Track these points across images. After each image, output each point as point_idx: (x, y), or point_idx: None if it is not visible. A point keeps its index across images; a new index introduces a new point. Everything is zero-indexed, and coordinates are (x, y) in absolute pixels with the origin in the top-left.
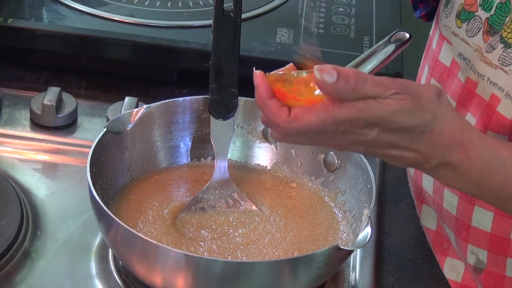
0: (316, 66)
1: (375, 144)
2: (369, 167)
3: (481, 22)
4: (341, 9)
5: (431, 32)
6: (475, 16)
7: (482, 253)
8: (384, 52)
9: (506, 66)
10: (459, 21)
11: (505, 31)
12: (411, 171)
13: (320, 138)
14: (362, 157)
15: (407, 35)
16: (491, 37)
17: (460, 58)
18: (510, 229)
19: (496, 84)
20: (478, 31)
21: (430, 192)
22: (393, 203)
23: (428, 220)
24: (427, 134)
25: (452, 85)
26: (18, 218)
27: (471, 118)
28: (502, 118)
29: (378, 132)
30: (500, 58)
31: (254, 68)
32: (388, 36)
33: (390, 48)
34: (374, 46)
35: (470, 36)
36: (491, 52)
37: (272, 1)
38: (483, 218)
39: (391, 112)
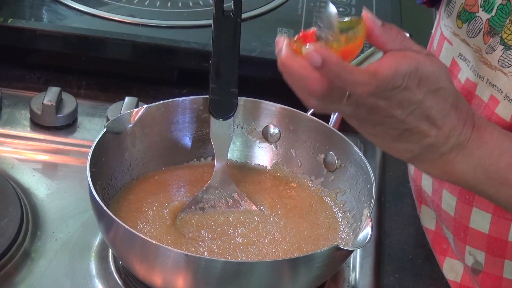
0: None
1: (418, 108)
2: (369, 167)
3: (482, 23)
4: (341, 9)
5: (433, 31)
6: (476, 17)
7: (480, 255)
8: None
9: (506, 68)
10: (460, 21)
11: (505, 32)
12: (411, 170)
13: (385, 102)
14: (362, 157)
15: (407, 35)
16: (491, 38)
17: (460, 58)
18: (508, 231)
19: (495, 85)
20: (479, 32)
21: (429, 193)
22: (393, 203)
23: (427, 220)
24: (453, 108)
25: None
26: (18, 218)
27: None
28: (500, 120)
29: (425, 93)
30: (499, 60)
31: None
32: None
33: None
34: (374, 46)
35: (470, 37)
36: (491, 53)
37: (272, 1)
38: (481, 220)
39: (439, 68)
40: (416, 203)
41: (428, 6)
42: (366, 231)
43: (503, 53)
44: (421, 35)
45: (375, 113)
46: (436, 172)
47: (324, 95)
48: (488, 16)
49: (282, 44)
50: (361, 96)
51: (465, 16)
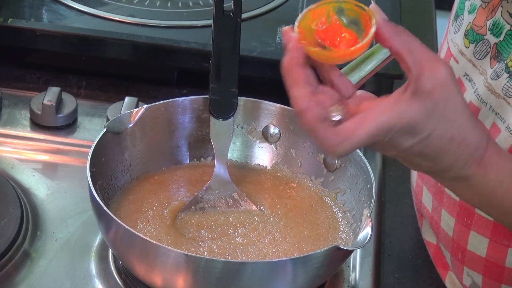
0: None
1: (406, 151)
2: (369, 167)
3: (490, 47)
4: None
5: (443, 39)
6: (484, 39)
7: (477, 277)
8: (384, 52)
9: (510, 97)
10: (467, 40)
11: (510, 60)
12: (413, 184)
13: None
14: (362, 157)
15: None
16: (497, 63)
17: (466, 78)
18: (505, 257)
19: (498, 113)
20: (486, 55)
21: (429, 209)
22: (393, 203)
23: (430, 234)
24: (453, 143)
25: None
26: (18, 218)
27: None
28: None
29: (412, 144)
30: (504, 88)
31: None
32: None
33: None
34: (374, 46)
35: (478, 58)
36: (495, 79)
37: (272, 1)
38: (478, 243)
39: (437, 103)
40: (418, 216)
41: None
42: (366, 231)
43: (507, 81)
44: (421, 35)
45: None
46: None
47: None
48: (496, 40)
49: (291, 41)
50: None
51: (473, 37)
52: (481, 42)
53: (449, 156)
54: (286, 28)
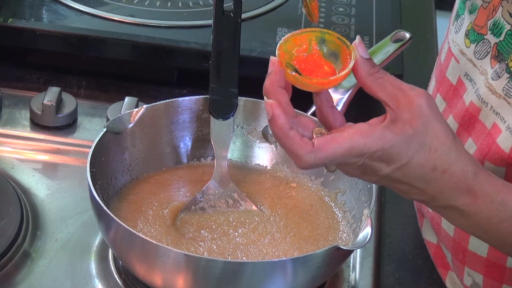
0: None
1: (387, 178)
2: None
3: (490, 47)
4: (341, 9)
5: (443, 40)
6: (484, 39)
7: (478, 277)
8: (384, 52)
9: (510, 97)
10: (468, 40)
11: (511, 60)
12: None
13: (341, 168)
14: None
15: (407, 35)
16: (498, 63)
17: (467, 78)
18: (506, 257)
19: (499, 114)
20: (486, 55)
21: (430, 209)
22: (393, 203)
23: (430, 234)
24: (437, 172)
25: (457, 106)
26: (18, 218)
27: (471, 144)
28: (500, 151)
29: (392, 169)
30: (504, 89)
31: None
32: (388, 36)
33: (390, 48)
34: (374, 46)
35: (478, 58)
36: (496, 79)
37: (272, 1)
38: (479, 244)
39: (414, 135)
40: (418, 216)
41: None
42: (366, 231)
43: (508, 81)
44: (421, 35)
45: (341, 170)
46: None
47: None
48: (497, 40)
49: (272, 64)
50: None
51: (473, 37)
52: (481, 42)
53: (434, 185)
54: (273, 58)
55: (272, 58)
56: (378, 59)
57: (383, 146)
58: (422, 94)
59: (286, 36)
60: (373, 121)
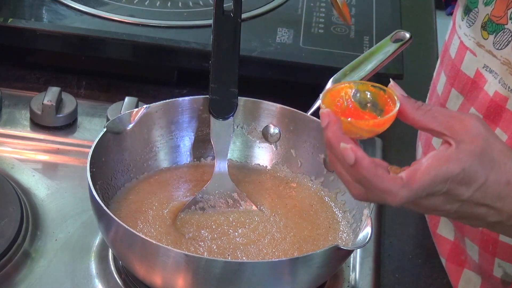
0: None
1: (468, 202)
2: None
3: (511, 35)
4: None
5: (447, 38)
6: (505, 29)
7: (510, 267)
8: (384, 52)
9: None
10: (486, 32)
11: None
12: None
13: (426, 202)
14: None
15: (407, 35)
16: None
17: (486, 70)
18: None
19: None
20: (508, 44)
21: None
22: None
23: (446, 230)
24: (510, 186)
25: (478, 98)
26: (18, 218)
27: (501, 134)
28: None
29: (473, 191)
30: None
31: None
32: (388, 36)
33: (390, 48)
34: (374, 46)
35: (498, 49)
36: None
37: (272, 1)
38: None
39: (487, 152)
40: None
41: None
42: (366, 231)
43: None
44: (421, 35)
45: (423, 207)
46: None
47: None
48: None
49: (326, 115)
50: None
51: (492, 28)
52: (501, 32)
53: (510, 201)
54: (324, 110)
55: (322, 111)
56: (378, 59)
57: (463, 166)
58: (473, 117)
59: (324, 92)
60: (440, 150)
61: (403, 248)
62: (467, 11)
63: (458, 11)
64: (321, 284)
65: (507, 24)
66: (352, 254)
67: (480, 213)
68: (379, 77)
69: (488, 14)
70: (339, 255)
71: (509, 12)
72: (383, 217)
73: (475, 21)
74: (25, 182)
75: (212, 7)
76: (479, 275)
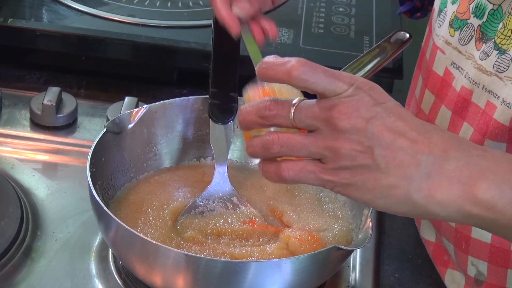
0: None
1: (386, 108)
2: None
3: (474, 30)
4: (341, 9)
5: (423, 43)
6: (468, 23)
7: (482, 265)
8: (384, 52)
9: (501, 72)
10: (452, 29)
11: (498, 37)
12: None
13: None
14: None
15: (407, 35)
16: (483, 44)
17: (453, 67)
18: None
19: (492, 91)
20: (471, 39)
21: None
22: None
23: (428, 232)
24: (432, 127)
25: (447, 95)
26: (18, 218)
27: (468, 128)
28: (500, 125)
29: (389, 99)
30: (495, 65)
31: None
32: (388, 36)
33: (390, 48)
34: (374, 46)
35: (462, 44)
36: (485, 59)
37: None
38: (482, 230)
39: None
40: None
41: (409, 16)
42: (366, 231)
43: (498, 58)
44: (421, 35)
45: (334, 138)
46: (456, 206)
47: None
48: (480, 22)
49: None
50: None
51: (457, 24)
52: (465, 27)
53: (438, 134)
54: None
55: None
56: (378, 59)
57: (365, 79)
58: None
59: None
60: None
61: (403, 248)
62: (438, 12)
63: (433, 15)
64: (321, 284)
65: (469, 18)
66: (352, 254)
67: (404, 145)
68: (379, 77)
69: (454, 11)
70: (339, 255)
71: (471, 7)
72: (383, 217)
73: (444, 21)
74: (25, 182)
75: (212, 10)
76: (463, 273)
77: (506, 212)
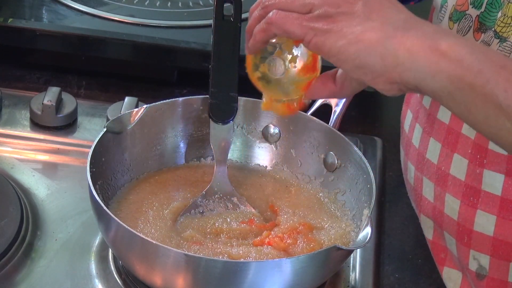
0: None
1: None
2: (369, 167)
3: (472, 20)
4: None
5: None
6: (466, 14)
7: (484, 259)
8: None
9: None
10: (452, 22)
11: (498, 26)
12: (411, 180)
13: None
14: (362, 157)
15: None
16: (482, 34)
17: None
18: None
19: None
20: (469, 30)
21: (431, 199)
22: (393, 203)
23: (425, 230)
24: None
25: None
26: (18, 218)
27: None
28: None
29: None
30: None
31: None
32: None
33: None
34: None
35: (461, 36)
36: None
37: None
38: (485, 222)
39: None
40: (416, 212)
41: (413, 3)
42: (366, 231)
43: (499, 46)
44: None
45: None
46: (425, 59)
47: None
48: (478, 12)
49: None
50: None
51: (456, 16)
52: (463, 18)
53: (412, 17)
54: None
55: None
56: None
57: None
58: None
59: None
60: None
61: (403, 248)
62: (440, 8)
63: (434, 13)
64: (321, 284)
65: (468, 9)
66: (352, 254)
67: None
68: None
69: (454, 5)
70: (339, 255)
71: None
72: (383, 217)
73: (444, 15)
74: (25, 182)
75: (212, 7)
76: (460, 271)
77: (473, 67)
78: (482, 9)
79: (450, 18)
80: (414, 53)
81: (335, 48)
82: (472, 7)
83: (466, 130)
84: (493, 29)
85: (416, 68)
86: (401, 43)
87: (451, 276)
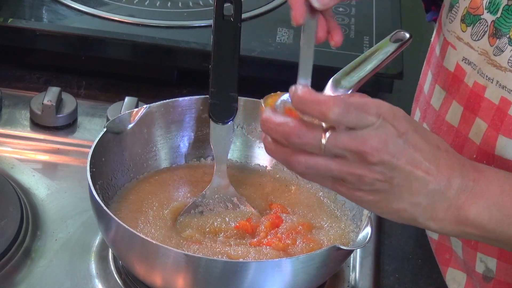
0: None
1: (405, 145)
2: None
3: (487, 25)
4: (341, 9)
5: (432, 39)
6: (481, 19)
7: (491, 262)
8: (384, 52)
9: None
10: (464, 25)
11: None
12: None
13: (370, 134)
14: None
15: (407, 35)
16: (497, 40)
17: (465, 62)
18: None
19: (506, 87)
20: (484, 35)
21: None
22: None
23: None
24: (442, 151)
25: (459, 91)
26: (18, 218)
27: (480, 123)
28: None
29: (407, 129)
30: (509, 61)
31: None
32: (388, 36)
33: (390, 48)
34: (374, 46)
35: (475, 40)
36: (499, 55)
37: (272, 1)
38: None
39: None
40: None
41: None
42: (366, 231)
43: None
44: (421, 35)
45: (361, 168)
46: (452, 226)
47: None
48: (494, 17)
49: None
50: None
51: (470, 19)
52: (478, 23)
53: (444, 162)
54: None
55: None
56: (378, 59)
57: (393, 107)
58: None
59: (264, 97)
60: None
61: (403, 248)
62: (450, 8)
63: (444, 10)
64: (321, 284)
65: (482, 14)
66: (352, 254)
67: (418, 174)
68: (379, 77)
69: (466, 7)
70: (339, 255)
71: (484, 2)
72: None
73: (456, 16)
74: (25, 182)
75: (212, 8)
76: (464, 273)
77: (495, 231)
78: (498, 15)
79: (462, 20)
80: (444, 225)
81: (369, 210)
82: (487, 12)
83: (473, 135)
84: (507, 35)
85: (441, 231)
86: (431, 219)
87: (455, 277)
